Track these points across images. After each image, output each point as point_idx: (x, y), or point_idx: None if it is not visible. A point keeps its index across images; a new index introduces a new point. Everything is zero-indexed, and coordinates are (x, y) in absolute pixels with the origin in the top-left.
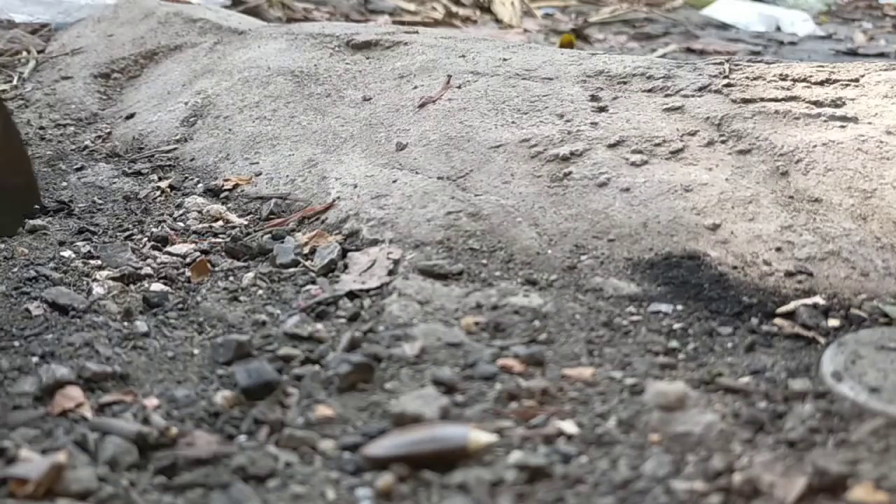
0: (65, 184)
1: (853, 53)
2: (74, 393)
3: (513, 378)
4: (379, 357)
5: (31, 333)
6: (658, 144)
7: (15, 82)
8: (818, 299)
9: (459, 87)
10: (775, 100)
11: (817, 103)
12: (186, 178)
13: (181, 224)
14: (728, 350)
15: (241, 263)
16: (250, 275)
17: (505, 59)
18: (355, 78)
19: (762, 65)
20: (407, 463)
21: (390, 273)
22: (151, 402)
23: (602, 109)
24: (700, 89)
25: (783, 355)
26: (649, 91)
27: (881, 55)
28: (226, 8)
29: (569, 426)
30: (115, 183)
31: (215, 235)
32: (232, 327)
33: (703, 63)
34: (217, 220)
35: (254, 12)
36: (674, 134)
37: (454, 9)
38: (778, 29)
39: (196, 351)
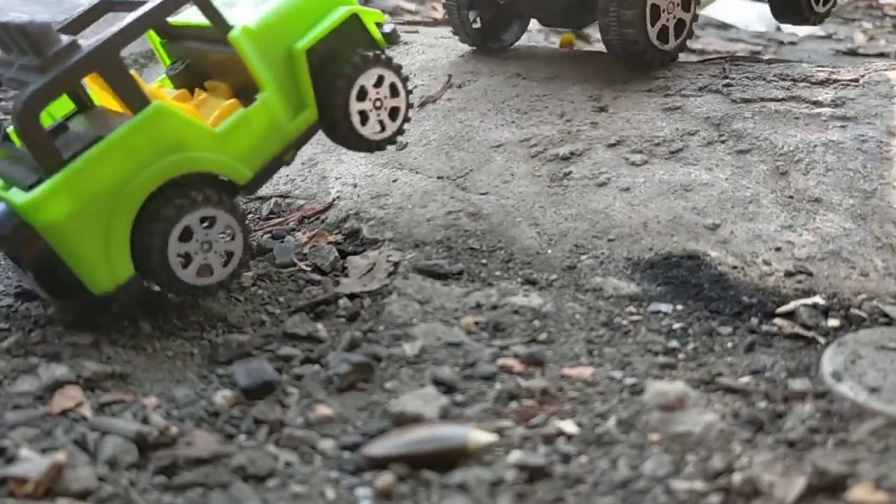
0: None
1: (853, 53)
2: (74, 392)
3: (513, 378)
4: (379, 357)
5: (31, 333)
6: (658, 144)
7: None
8: (818, 299)
9: (460, 87)
10: (775, 100)
11: (817, 103)
12: None
13: None
14: (728, 350)
15: None
16: (250, 274)
17: (505, 59)
18: None
19: (762, 65)
20: (407, 462)
21: (390, 274)
22: (151, 401)
23: (602, 109)
24: (700, 89)
25: (783, 355)
26: (649, 91)
27: (881, 55)
28: None
29: (569, 426)
30: None
31: None
32: (232, 327)
33: (703, 63)
34: None
35: None
36: (674, 134)
37: None
38: (778, 29)
39: (196, 351)
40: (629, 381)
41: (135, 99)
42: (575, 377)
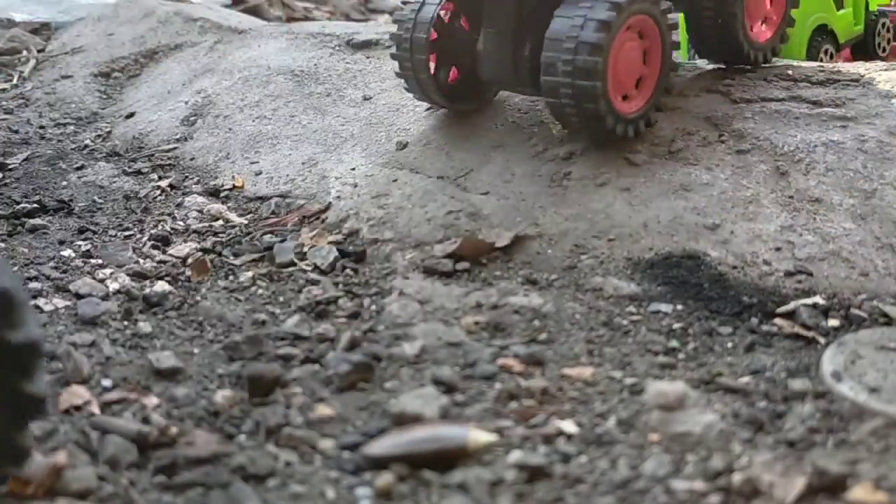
0: (65, 183)
1: None
2: (81, 391)
3: (513, 378)
4: (379, 356)
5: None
6: (658, 144)
7: (15, 81)
8: (818, 299)
9: None
10: (775, 100)
11: (817, 103)
12: (186, 177)
13: (181, 223)
14: (728, 350)
15: (241, 263)
16: (250, 274)
17: None
18: (355, 77)
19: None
20: (407, 462)
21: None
22: (151, 401)
23: None
24: (700, 89)
25: (783, 355)
26: None
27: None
28: (226, 7)
29: (568, 426)
30: (115, 182)
31: (215, 235)
32: (232, 326)
33: (702, 62)
34: (217, 219)
35: (254, 12)
36: (674, 134)
37: None
38: None
39: (196, 350)
40: (629, 381)
41: None
42: (575, 377)
